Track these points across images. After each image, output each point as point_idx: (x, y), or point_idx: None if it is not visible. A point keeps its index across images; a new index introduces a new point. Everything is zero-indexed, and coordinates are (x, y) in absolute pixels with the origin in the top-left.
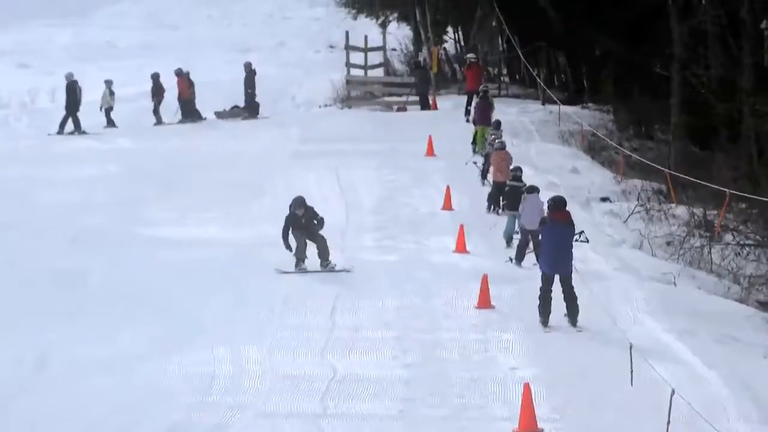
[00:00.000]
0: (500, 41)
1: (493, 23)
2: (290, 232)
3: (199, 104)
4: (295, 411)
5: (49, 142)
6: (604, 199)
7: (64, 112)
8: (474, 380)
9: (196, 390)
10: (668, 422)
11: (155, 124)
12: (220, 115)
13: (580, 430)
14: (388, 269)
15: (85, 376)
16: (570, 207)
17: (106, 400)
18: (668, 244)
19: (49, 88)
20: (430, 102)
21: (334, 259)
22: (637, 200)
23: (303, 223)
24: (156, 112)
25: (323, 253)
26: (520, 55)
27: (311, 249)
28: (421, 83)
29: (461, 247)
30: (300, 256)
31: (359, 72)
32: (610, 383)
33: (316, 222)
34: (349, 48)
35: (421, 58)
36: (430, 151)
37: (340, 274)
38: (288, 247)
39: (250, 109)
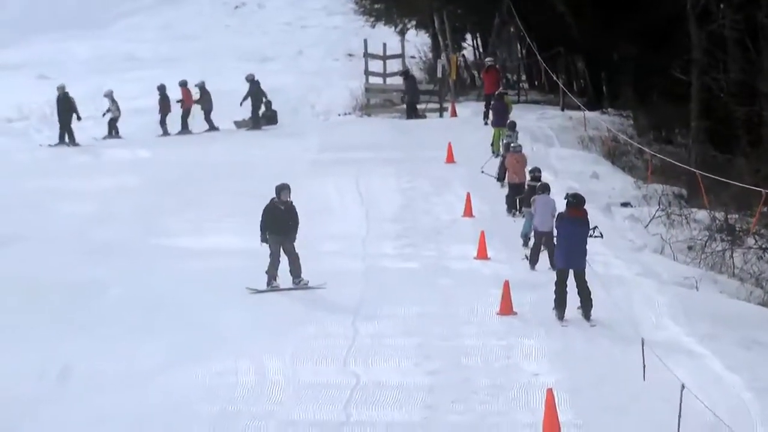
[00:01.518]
0: (519, 47)
1: (512, 29)
2: (269, 225)
3: (217, 114)
4: (318, 419)
5: (67, 154)
6: (625, 204)
7: (64, 124)
8: (497, 387)
9: (217, 400)
10: (679, 416)
11: (160, 136)
12: (239, 124)
13: None
14: (409, 277)
15: (106, 388)
16: (591, 212)
17: (127, 412)
18: (690, 248)
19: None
20: (437, 108)
21: (306, 276)
22: (658, 205)
23: (281, 215)
24: (163, 123)
25: (295, 270)
26: (540, 60)
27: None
28: (410, 92)
29: (482, 254)
30: (272, 273)
31: (378, 80)
32: (633, 388)
33: (291, 223)
34: (367, 56)
35: (420, 66)
36: (450, 158)
37: (359, 281)
38: (264, 239)
39: (253, 120)
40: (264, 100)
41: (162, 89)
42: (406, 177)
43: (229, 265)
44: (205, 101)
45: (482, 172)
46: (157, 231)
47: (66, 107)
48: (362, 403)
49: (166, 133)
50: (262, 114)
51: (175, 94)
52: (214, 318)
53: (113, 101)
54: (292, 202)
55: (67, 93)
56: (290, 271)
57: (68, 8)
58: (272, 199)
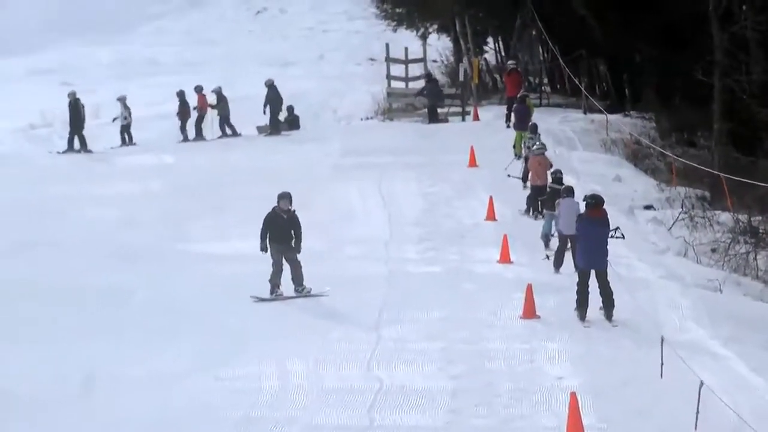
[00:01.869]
0: (540, 51)
1: (533, 33)
2: (268, 238)
3: (240, 119)
4: (342, 424)
5: (91, 160)
6: (648, 207)
7: (76, 130)
8: (520, 390)
9: (241, 405)
10: (697, 412)
11: (181, 141)
12: (261, 129)
13: None
14: (432, 280)
15: (130, 392)
16: (614, 215)
17: (151, 416)
18: (713, 251)
19: (91, 105)
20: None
21: (308, 284)
22: (681, 207)
23: (283, 224)
24: (183, 129)
25: (297, 278)
26: (562, 63)
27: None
28: (431, 96)
29: (505, 258)
30: (275, 281)
31: (400, 84)
32: (657, 391)
33: (294, 233)
34: (389, 60)
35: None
36: (473, 162)
37: (381, 285)
38: (264, 248)
39: (272, 125)
40: (282, 105)
41: (181, 95)
42: (429, 181)
43: (253, 270)
44: (222, 107)
45: (508, 175)
46: (181, 236)
47: (77, 113)
48: (386, 408)
49: (186, 138)
50: (283, 119)
51: (194, 99)
52: (238, 322)
53: (126, 107)
54: (294, 211)
55: (78, 99)
56: (292, 279)
57: (92, 14)
58: (273, 208)
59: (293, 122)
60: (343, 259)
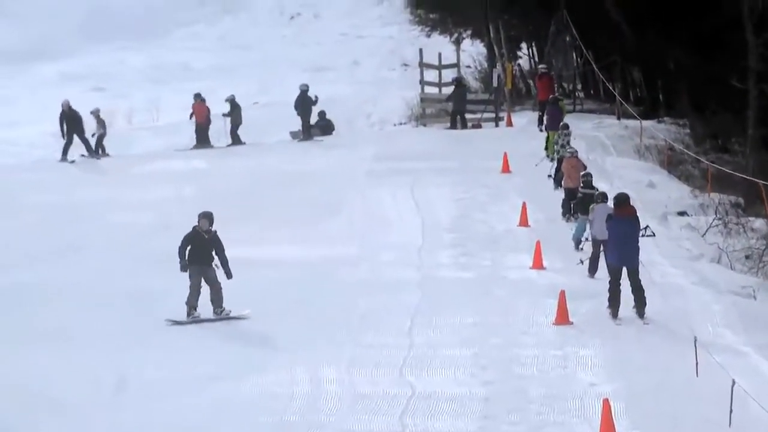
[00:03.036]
0: (574, 56)
1: (567, 38)
2: (186, 255)
3: (275, 125)
4: (375, 429)
5: (125, 165)
6: (682, 213)
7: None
8: (553, 397)
9: (273, 410)
10: (730, 411)
11: (192, 148)
12: (294, 135)
13: None
14: (465, 286)
15: (162, 396)
16: (647, 221)
17: (183, 420)
18: (747, 257)
19: (125, 110)
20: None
21: (227, 305)
22: (715, 213)
23: (204, 243)
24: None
25: (217, 300)
26: (595, 69)
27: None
28: (458, 101)
29: (538, 264)
30: (192, 304)
31: (433, 89)
32: (690, 397)
33: (217, 255)
34: (423, 65)
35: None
36: (506, 168)
37: (414, 291)
38: (184, 267)
39: (304, 130)
40: (311, 110)
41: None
42: (462, 187)
43: (287, 275)
44: (236, 115)
45: (549, 176)
46: None
47: (75, 122)
48: (418, 413)
49: (209, 145)
50: (315, 123)
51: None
52: (271, 327)
53: (99, 120)
54: (215, 232)
55: (71, 107)
56: (211, 300)
57: (124, 19)
58: (194, 227)
59: (326, 127)
60: (377, 265)
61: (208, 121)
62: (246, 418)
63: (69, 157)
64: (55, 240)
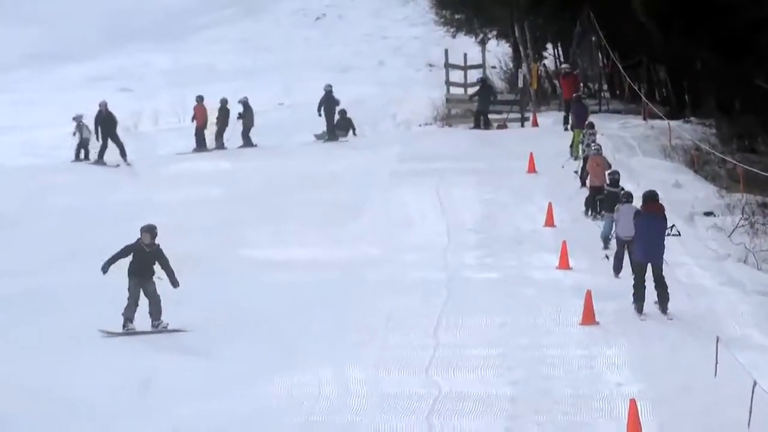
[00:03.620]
0: (600, 56)
1: (593, 39)
2: (129, 265)
3: (296, 126)
4: (401, 429)
5: (149, 167)
6: (708, 214)
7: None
8: (579, 397)
9: (300, 411)
10: (750, 411)
11: (214, 149)
12: (319, 136)
13: None
14: (491, 287)
15: (187, 399)
16: (674, 221)
17: (209, 423)
18: None
19: (150, 111)
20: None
21: (166, 318)
22: (742, 214)
23: (145, 257)
24: (219, 137)
25: (155, 313)
26: (621, 69)
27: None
28: (482, 101)
29: (564, 264)
30: (129, 316)
31: (459, 90)
32: (717, 397)
33: (162, 267)
34: (448, 66)
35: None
36: (532, 168)
37: (440, 291)
38: (106, 269)
39: (328, 131)
40: (335, 110)
41: (223, 102)
42: (487, 187)
43: (312, 277)
44: (248, 118)
45: (575, 172)
46: (239, 242)
47: (110, 123)
48: (445, 413)
49: (221, 146)
50: (336, 123)
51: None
52: (297, 328)
53: (80, 125)
54: (158, 246)
55: (108, 109)
56: (149, 312)
57: (149, 22)
58: (137, 239)
59: (346, 126)
60: (402, 265)
61: (205, 125)
62: (272, 419)
63: (108, 161)
64: (82, 243)
